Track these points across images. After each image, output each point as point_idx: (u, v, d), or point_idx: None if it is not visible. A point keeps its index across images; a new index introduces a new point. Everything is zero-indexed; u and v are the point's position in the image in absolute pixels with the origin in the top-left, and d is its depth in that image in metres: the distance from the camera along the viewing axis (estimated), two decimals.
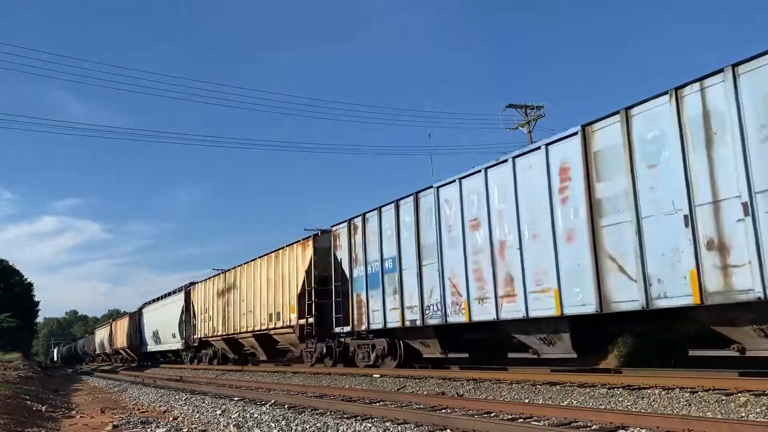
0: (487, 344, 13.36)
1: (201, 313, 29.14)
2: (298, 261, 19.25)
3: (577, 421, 6.35)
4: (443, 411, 7.73)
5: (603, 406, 7.70)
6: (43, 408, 11.33)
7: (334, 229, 17.28)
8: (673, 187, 8.36)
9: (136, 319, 42.41)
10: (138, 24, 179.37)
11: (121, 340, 46.60)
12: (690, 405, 7.18)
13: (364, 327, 15.51)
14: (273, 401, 10.26)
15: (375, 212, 15.25)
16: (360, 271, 15.77)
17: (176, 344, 33.05)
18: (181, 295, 32.29)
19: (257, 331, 22.31)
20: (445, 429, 6.49)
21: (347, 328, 16.26)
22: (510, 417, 6.98)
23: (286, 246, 20.33)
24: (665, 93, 8.55)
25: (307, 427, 7.24)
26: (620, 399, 8.11)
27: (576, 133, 9.82)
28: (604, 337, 12.02)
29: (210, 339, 28.18)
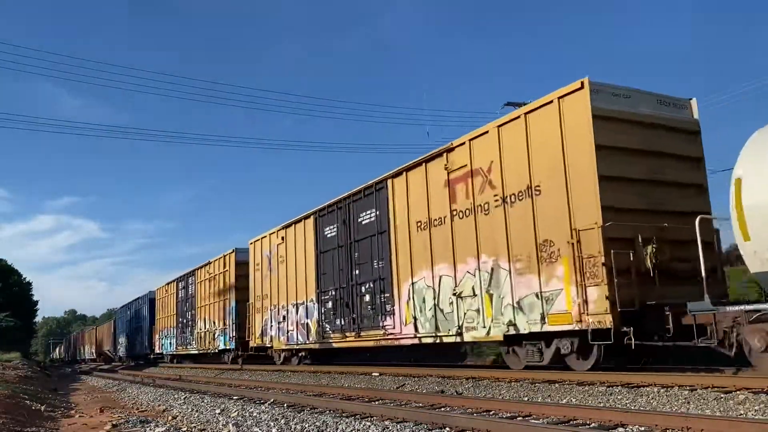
0: None
1: None
2: None
3: (576, 419, 6.36)
4: (442, 409, 7.74)
5: (602, 404, 7.70)
6: (42, 407, 11.32)
7: None
8: None
9: None
10: (133, 22, 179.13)
11: None
12: (689, 403, 7.18)
13: None
14: (272, 400, 10.26)
15: None
16: None
17: None
18: None
19: None
20: (444, 427, 6.49)
21: None
22: (509, 415, 6.99)
23: None
24: None
25: (306, 425, 7.24)
26: (619, 397, 8.11)
27: None
28: None
29: None
